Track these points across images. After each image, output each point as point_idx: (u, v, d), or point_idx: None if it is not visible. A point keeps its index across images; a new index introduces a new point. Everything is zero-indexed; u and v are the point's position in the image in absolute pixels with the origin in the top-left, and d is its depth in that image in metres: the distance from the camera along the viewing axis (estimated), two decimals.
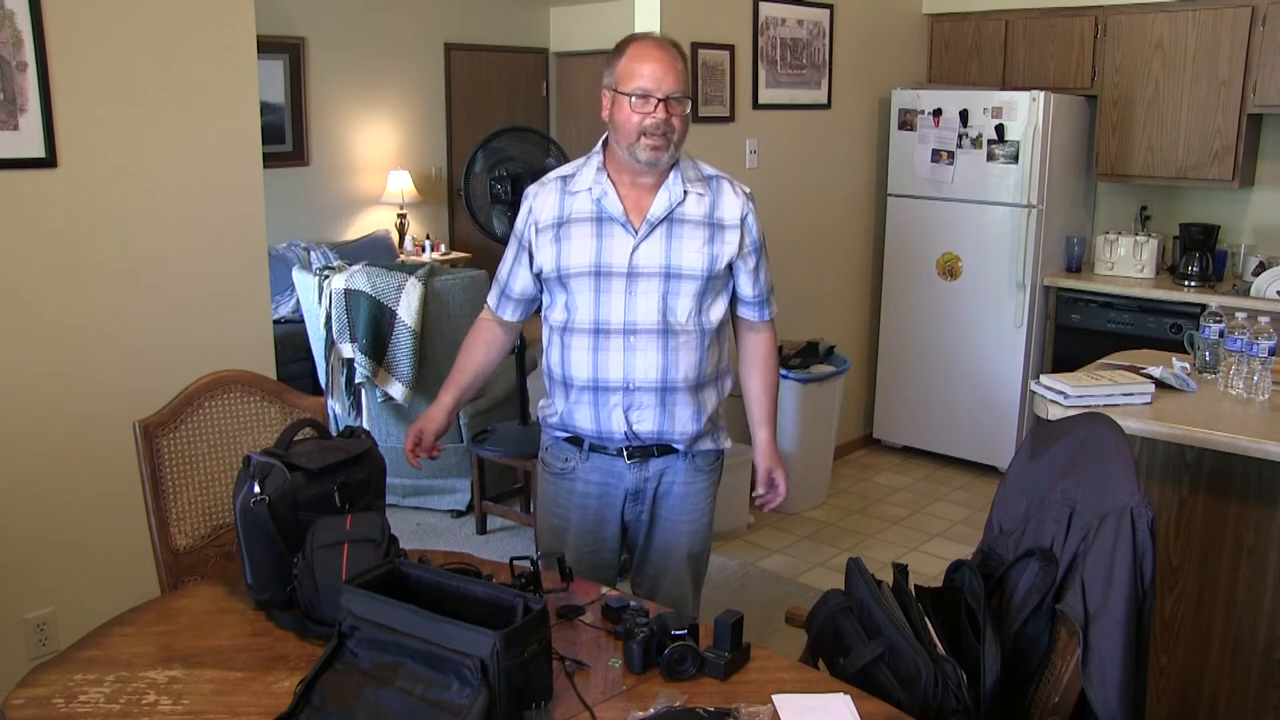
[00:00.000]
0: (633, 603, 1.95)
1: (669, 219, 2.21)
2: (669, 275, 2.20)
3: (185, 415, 2.31)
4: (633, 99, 2.13)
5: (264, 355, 3.21)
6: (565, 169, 2.32)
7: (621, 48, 2.19)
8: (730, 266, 2.27)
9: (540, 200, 2.27)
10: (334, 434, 2.21)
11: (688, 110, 2.18)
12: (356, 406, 4.47)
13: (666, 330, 2.21)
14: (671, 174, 2.22)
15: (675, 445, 2.30)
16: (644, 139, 2.14)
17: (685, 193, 2.22)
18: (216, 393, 2.37)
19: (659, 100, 2.12)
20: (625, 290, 2.20)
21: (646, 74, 2.13)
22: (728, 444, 2.41)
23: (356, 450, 2.09)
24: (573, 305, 2.24)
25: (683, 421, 2.27)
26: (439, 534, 4.43)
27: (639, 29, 4.12)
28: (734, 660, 1.77)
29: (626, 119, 2.15)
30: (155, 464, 2.26)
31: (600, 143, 2.27)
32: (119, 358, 2.92)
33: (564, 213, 2.24)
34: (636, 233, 2.20)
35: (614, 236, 2.20)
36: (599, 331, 2.22)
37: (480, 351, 2.42)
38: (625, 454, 2.29)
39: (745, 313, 2.37)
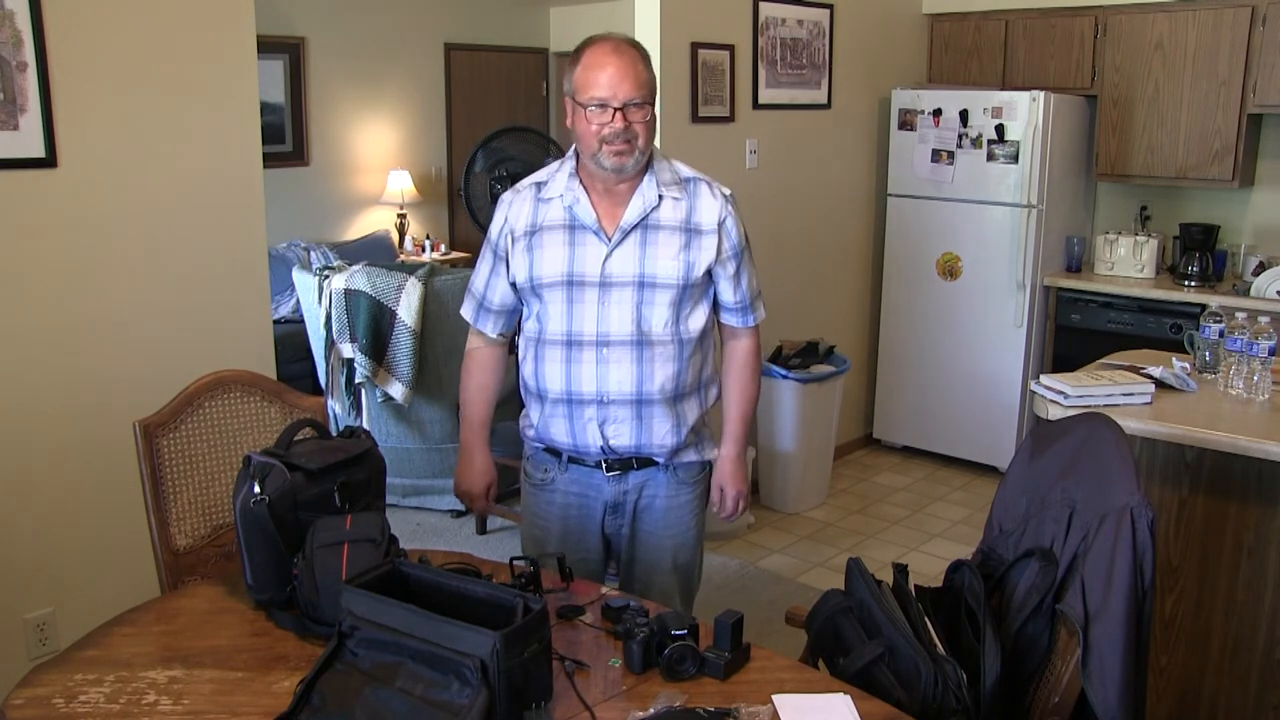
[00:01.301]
0: (633, 603, 1.95)
1: (643, 225, 2.14)
2: (643, 284, 2.13)
3: (185, 415, 2.31)
4: (590, 109, 2.06)
5: (264, 355, 3.21)
6: (539, 175, 2.24)
7: (578, 54, 2.10)
8: (709, 273, 2.19)
9: (515, 208, 2.21)
10: (334, 434, 2.21)
11: (649, 115, 2.08)
12: (356, 406, 4.47)
13: (641, 341, 2.15)
14: (645, 178, 2.15)
15: (655, 458, 2.25)
16: (606, 147, 2.06)
17: (660, 197, 2.14)
18: (216, 393, 2.37)
19: (616, 109, 2.04)
20: (598, 300, 2.14)
21: (602, 82, 2.04)
22: (714, 455, 2.34)
23: (356, 450, 2.08)
24: (545, 316, 2.18)
25: (661, 435, 2.20)
26: (439, 534, 4.43)
27: (639, 29, 4.12)
28: (734, 660, 1.77)
29: (586, 129, 2.08)
30: (155, 464, 2.26)
31: (573, 149, 2.20)
32: (119, 358, 2.92)
33: (537, 221, 2.18)
34: (609, 240, 2.14)
35: (586, 245, 2.14)
36: (571, 343, 2.16)
37: (482, 381, 2.36)
38: (603, 466, 2.24)
39: (728, 319, 2.29)
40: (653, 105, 2.11)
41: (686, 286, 2.16)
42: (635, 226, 2.14)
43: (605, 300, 2.14)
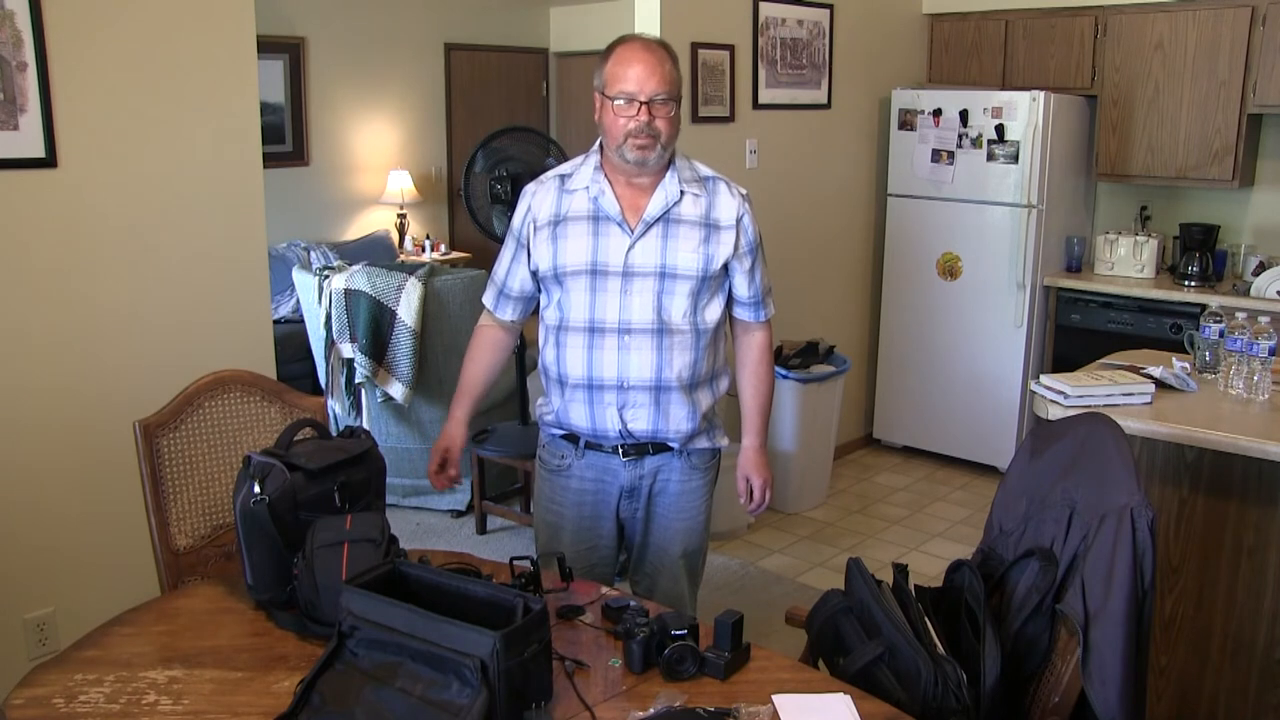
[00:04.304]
0: (633, 603, 1.95)
1: (665, 219, 2.22)
2: (664, 275, 2.21)
3: (185, 415, 2.31)
4: (616, 103, 2.15)
5: (264, 355, 3.21)
6: (563, 168, 2.33)
7: (609, 51, 2.21)
8: (726, 267, 2.28)
9: (539, 198, 2.29)
10: (334, 434, 2.21)
11: (673, 111, 2.18)
12: (356, 406, 4.47)
13: (661, 329, 2.22)
14: (668, 174, 2.23)
15: (670, 443, 2.31)
16: (630, 140, 2.15)
17: (681, 193, 2.23)
18: (216, 393, 2.37)
19: (642, 103, 2.13)
20: (621, 289, 2.21)
21: (630, 77, 2.13)
22: (724, 442, 2.42)
23: (356, 450, 2.09)
24: (567, 304, 2.25)
25: (677, 420, 2.28)
26: (439, 534, 4.43)
27: (639, 29, 4.12)
28: (734, 660, 1.77)
29: (613, 122, 2.17)
30: (155, 464, 2.26)
31: (597, 143, 2.28)
32: (119, 357, 2.92)
33: (561, 211, 2.25)
34: (633, 232, 2.21)
35: (610, 236, 2.22)
36: (594, 330, 2.23)
37: (486, 357, 2.43)
38: (620, 451, 2.31)
39: (741, 313, 2.37)
40: (677, 103, 2.20)
41: (705, 278, 2.24)
42: (658, 220, 2.22)
43: (628, 289, 2.21)
